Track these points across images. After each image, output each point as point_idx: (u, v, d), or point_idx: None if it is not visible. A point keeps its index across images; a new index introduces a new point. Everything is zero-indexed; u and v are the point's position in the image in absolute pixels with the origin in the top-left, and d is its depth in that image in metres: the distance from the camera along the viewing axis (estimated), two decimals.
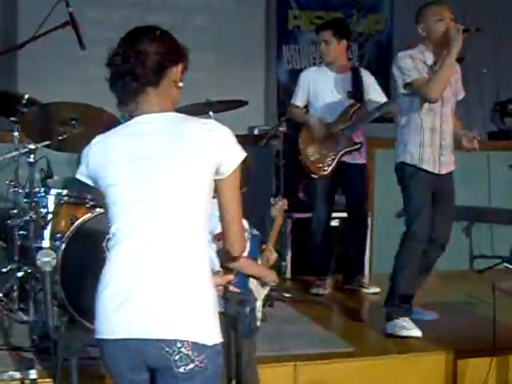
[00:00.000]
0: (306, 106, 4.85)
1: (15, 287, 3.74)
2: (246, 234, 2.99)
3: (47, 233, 3.75)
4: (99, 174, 2.02)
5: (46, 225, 3.74)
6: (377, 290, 4.82)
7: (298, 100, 4.82)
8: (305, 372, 3.37)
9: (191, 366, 1.90)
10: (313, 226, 4.82)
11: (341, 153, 4.69)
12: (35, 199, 3.74)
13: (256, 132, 5.59)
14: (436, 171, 3.85)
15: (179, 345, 1.89)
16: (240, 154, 2.02)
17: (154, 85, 2.01)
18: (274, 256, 3.15)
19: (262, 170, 4.78)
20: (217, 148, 1.98)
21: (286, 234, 5.16)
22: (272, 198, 3.51)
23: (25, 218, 3.67)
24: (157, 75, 2.01)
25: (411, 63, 3.72)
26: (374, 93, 4.80)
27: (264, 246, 3.16)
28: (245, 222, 2.99)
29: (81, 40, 3.61)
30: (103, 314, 1.96)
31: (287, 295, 4.56)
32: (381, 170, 5.80)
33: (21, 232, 3.75)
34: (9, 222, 3.74)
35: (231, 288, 2.52)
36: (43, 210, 3.75)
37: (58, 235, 3.70)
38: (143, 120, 2.02)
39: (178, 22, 6.50)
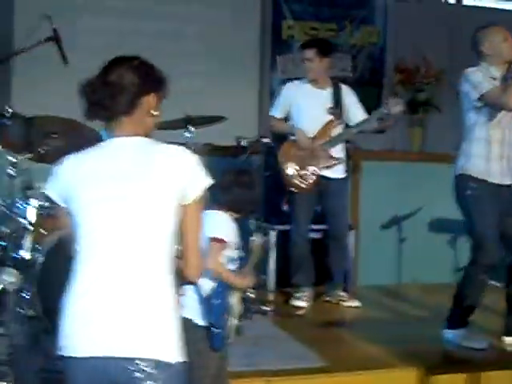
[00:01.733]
0: (285, 119, 4.92)
1: None
2: (237, 253, 3.06)
3: (27, 244, 3.79)
4: (69, 192, 2.07)
5: (26, 236, 3.78)
6: (356, 303, 4.87)
7: (278, 112, 4.91)
8: None
9: None
10: (292, 239, 4.88)
11: (320, 168, 4.75)
12: (15, 210, 3.79)
13: (244, 143, 5.60)
14: (502, 182, 3.99)
15: (142, 363, 1.93)
16: (204, 182, 2.08)
17: (126, 114, 2.07)
18: (250, 281, 3.18)
19: None
20: (182, 175, 2.04)
21: (269, 246, 5.20)
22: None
23: (4, 229, 3.70)
24: (128, 106, 2.06)
25: (482, 76, 3.92)
26: (355, 109, 4.85)
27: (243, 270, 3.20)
28: (238, 242, 3.06)
29: (64, 55, 3.68)
30: (67, 332, 2.00)
31: (266, 308, 4.59)
32: (367, 182, 5.86)
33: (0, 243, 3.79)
34: None
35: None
36: (23, 221, 3.80)
37: (38, 247, 3.75)
38: (114, 143, 2.09)
39: (172, 30, 6.55)
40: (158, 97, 2.13)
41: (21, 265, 3.69)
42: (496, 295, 4.07)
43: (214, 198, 3.09)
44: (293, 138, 4.84)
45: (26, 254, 3.76)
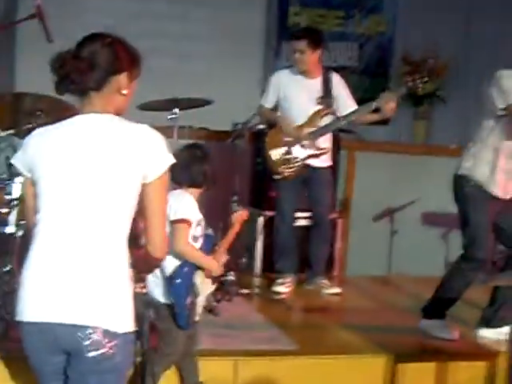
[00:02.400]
0: (275, 108, 4.90)
1: None
2: (200, 230, 3.10)
3: (12, 219, 3.85)
4: (33, 163, 2.13)
5: (11, 211, 3.84)
6: (337, 290, 4.89)
7: (268, 101, 4.88)
8: (245, 368, 3.44)
9: (101, 351, 2.03)
10: (276, 225, 4.90)
11: (305, 156, 4.74)
12: (0, 186, 3.85)
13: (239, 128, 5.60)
14: (502, 196, 3.91)
15: (90, 331, 2.02)
16: (167, 161, 2.10)
17: (95, 90, 2.11)
18: (223, 259, 3.22)
19: (225, 169, 4.87)
20: (143, 153, 2.07)
21: (257, 232, 5.26)
22: (235, 205, 3.56)
23: None
24: (97, 82, 2.10)
25: None
26: (344, 100, 4.78)
27: (216, 247, 3.24)
28: (201, 219, 3.11)
29: (48, 33, 3.73)
30: (23, 298, 2.08)
31: (246, 291, 4.65)
32: (361, 174, 5.88)
33: None
34: None
35: (138, 289, 2.65)
36: (8, 197, 3.86)
37: (22, 222, 3.80)
38: (80, 119, 2.13)
39: (177, 12, 6.58)
40: (130, 76, 2.16)
41: (2, 240, 3.78)
42: (472, 287, 4.06)
43: (173, 178, 3.14)
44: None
45: (10, 230, 3.83)
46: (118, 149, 2.07)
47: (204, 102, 4.30)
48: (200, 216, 3.10)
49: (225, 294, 4.38)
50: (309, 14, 7.16)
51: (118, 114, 2.16)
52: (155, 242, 2.13)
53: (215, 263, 3.12)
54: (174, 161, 2.11)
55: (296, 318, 4.37)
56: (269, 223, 5.24)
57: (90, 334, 2.01)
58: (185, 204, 3.04)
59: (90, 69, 2.08)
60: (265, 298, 4.73)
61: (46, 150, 2.11)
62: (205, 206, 3.08)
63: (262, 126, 5.27)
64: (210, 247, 3.16)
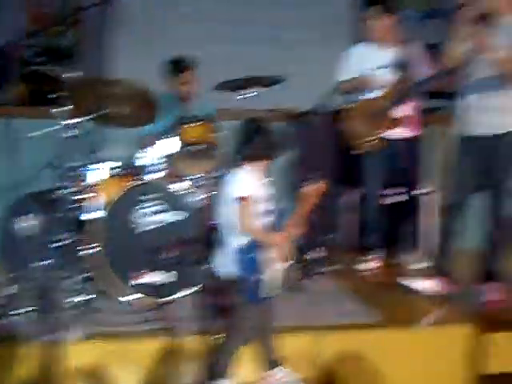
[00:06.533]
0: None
1: None
2: (270, 206, 3.08)
3: (93, 205, 3.93)
4: None
5: (91, 197, 3.92)
6: (424, 265, 4.73)
7: (344, 75, 4.74)
8: (327, 342, 3.40)
9: None
10: (362, 201, 4.83)
11: (382, 128, 4.58)
12: (82, 171, 3.97)
13: None
14: None
15: None
16: None
17: None
18: (296, 231, 3.18)
19: (307, 149, 4.84)
20: None
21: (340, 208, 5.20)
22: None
23: (70, 190, 3.78)
24: None
25: None
26: (419, 67, 4.51)
27: (289, 221, 3.21)
28: (269, 194, 3.09)
29: None
30: None
31: (330, 268, 4.59)
32: None
33: (68, 204, 3.79)
34: (55, 194, 3.82)
35: None
36: (89, 183, 3.97)
37: (102, 207, 3.89)
38: None
39: None
40: None
41: (86, 225, 3.89)
42: None
43: (236, 152, 3.11)
44: None
45: (91, 215, 3.92)
46: None
47: (273, 81, 4.18)
48: (266, 191, 3.07)
49: (309, 270, 4.35)
50: None
51: None
52: None
53: (277, 239, 3.07)
54: None
55: (381, 293, 4.25)
56: (355, 200, 5.15)
57: None
58: (242, 180, 3.02)
59: None
60: (351, 275, 4.65)
61: None
62: (290, 186, 2.97)
63: (341, 104, 5.16)
64: (283, 222, 3.13)
